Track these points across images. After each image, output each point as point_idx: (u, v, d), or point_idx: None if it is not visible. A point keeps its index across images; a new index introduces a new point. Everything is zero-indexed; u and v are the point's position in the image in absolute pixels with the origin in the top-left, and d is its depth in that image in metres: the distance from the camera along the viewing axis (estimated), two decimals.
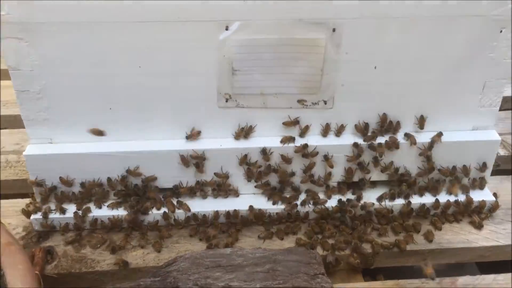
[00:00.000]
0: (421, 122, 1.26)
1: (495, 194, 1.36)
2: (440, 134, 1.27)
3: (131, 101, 1.18)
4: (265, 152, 1.24)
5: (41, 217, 1.25)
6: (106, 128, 1.23)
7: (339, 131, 1.26)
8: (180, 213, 1.29)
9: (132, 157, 1.23)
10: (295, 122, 1.24)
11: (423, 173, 1.31)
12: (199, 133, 1.24)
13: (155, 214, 1.29)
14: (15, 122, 1.60)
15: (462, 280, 1.17)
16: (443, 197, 1.33)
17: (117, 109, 1.19)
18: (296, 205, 1.30)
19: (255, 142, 1.26)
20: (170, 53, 1.11)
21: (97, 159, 1.22)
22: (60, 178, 1.24)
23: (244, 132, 1.25)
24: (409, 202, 1.31)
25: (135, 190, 1.27)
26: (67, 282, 1.19)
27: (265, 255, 1.15)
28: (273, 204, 1.31)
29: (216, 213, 1.29)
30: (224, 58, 1.14)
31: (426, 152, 1.27)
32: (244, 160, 1.26)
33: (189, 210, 1.29)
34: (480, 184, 1.35)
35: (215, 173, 1.28)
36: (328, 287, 1.07)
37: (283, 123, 1.25)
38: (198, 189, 1.31)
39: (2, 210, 1.32)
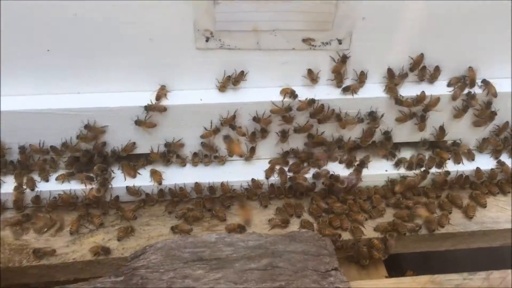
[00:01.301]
0: (471, 78, 0.99)
1: None
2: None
3: (75, 41, 0.91)
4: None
5: None
6: (45, 77, 0.94)
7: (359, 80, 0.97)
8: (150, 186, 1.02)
9: (84, 115, 0.96)
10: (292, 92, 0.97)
11: (482, 122, 1.03)
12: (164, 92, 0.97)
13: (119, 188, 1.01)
14: None
15: None
16: (485, 163, 1.07)
17: (58, 52, 0.92)
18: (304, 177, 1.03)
19: (246, 96, 0.99)
20: None
21: (38, 118, 0.95)
22: None
23: (232, 81, 0.96)
24: (447, 172, 1.03)
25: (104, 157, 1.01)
26: (6, 279, 0.92)
27: (261, 243, 0.92)
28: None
29: (198, 186, 1.01)
30: None
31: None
32: (231, 121, 0.97)
33: (160, 182, 1.00)
34: None
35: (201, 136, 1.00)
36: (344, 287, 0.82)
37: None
38: (173, 155, 1.03)
39: None
